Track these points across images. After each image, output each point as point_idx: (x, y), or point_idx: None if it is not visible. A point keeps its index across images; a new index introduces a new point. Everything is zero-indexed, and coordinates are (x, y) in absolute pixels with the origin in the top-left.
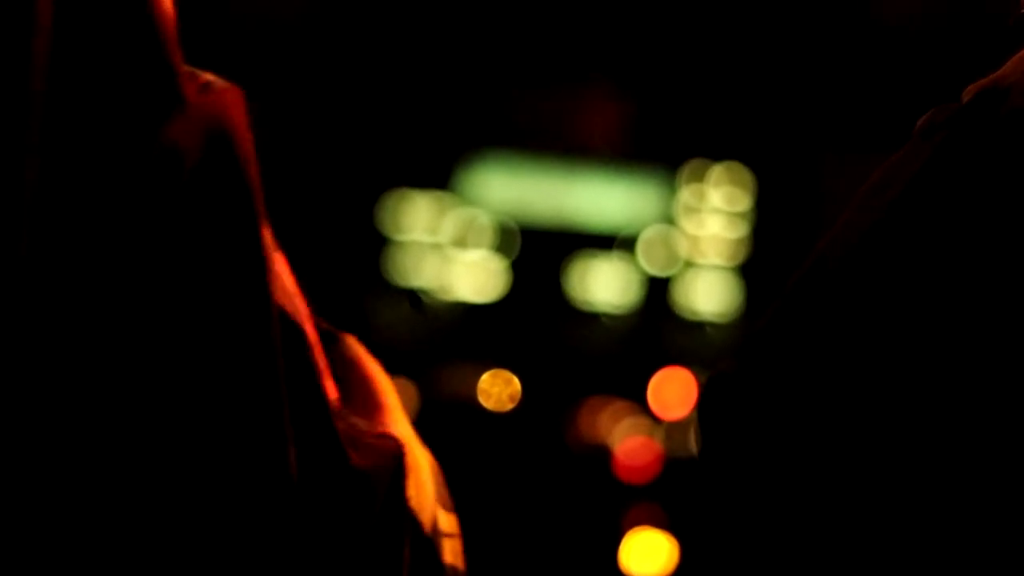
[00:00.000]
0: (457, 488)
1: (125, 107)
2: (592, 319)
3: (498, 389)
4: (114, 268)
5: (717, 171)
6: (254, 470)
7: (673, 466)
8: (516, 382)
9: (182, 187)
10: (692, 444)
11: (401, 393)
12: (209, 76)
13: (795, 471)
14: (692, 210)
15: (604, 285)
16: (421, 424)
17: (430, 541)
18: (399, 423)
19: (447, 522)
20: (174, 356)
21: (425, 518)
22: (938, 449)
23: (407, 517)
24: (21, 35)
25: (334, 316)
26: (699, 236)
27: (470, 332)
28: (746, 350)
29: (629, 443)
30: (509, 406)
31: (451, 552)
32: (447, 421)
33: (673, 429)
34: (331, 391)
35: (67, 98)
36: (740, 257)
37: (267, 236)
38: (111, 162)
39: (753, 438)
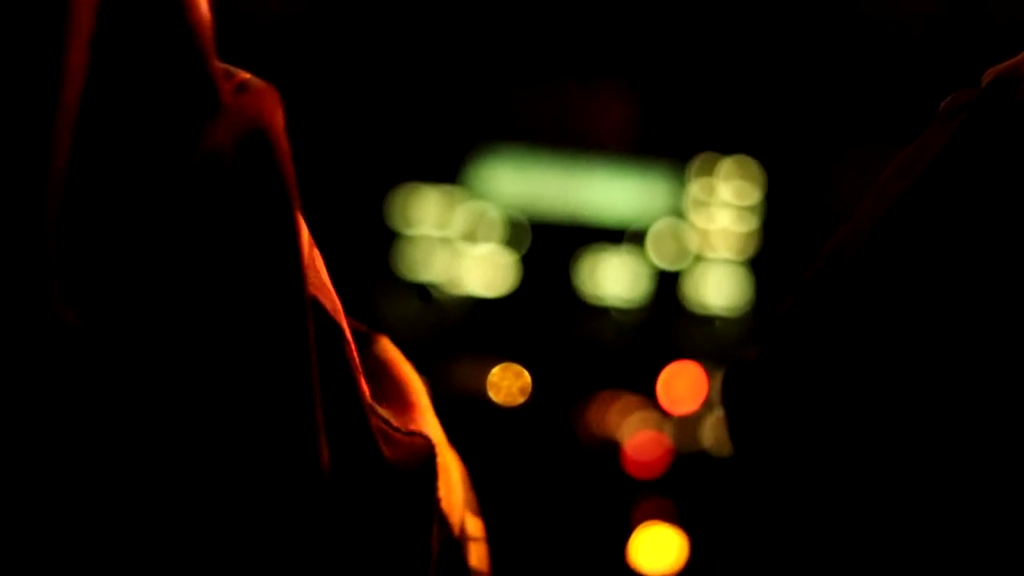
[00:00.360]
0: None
1: (162, 112)
2: (602, 313)
3: (508, 383)
4: (151, 268)
5: (727, 165)
6: (284, 460)
7: (682, 461)
8: (526, 376)
9: (219, 189)
10: (702, 439)
11: None
12: (245, 75)
13: (819, 460)
14: (702, 204)
15: (614, 279)
16: None
17: (458, 544)
18: (430, 425)
19: (474, 526)
20: (206, 349)
21: (454, 520)
22: (961, 435)
23: (437, 517)
24: (56, 40)
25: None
26: (709, 230)
27: (480, 326)
28: (767, 336)
29: (638, 437)
30: (519, 400)
31: (477, 557)
32: (457, 415)
33: (683, 424)
34: (364, 388)
35: (103, 104)
36: (750, 251)
37: (304, 234)
38: (148, 167)
39: (776, 426)
